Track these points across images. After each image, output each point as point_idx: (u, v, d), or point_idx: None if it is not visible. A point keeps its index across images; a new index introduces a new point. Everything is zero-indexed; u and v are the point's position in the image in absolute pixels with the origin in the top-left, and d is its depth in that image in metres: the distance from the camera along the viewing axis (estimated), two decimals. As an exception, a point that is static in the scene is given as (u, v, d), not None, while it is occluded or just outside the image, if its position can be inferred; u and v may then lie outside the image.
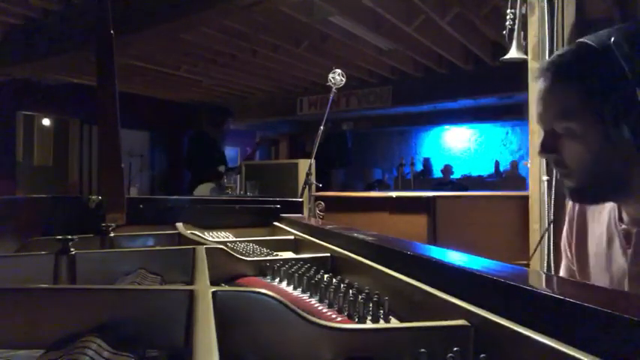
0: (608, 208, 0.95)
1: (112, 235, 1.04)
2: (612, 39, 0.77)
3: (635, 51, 0.75)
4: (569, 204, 1.09)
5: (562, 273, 1.13)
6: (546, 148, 0.88)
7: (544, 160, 2.15)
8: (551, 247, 2.12)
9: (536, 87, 0.90)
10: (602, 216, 0.97)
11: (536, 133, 2.10)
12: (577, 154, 0.84)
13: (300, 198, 2.35)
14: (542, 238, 2.13)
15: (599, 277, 0.96)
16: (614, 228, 0.93)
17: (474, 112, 8.29)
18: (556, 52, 0.90)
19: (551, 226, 2.10)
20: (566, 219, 1.09)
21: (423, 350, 0.46)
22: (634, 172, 0.82)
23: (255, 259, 0.96)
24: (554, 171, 0.91)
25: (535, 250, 2.14)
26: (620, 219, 0.92)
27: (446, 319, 0.52)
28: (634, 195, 0.85)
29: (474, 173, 9.12)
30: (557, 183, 2.09)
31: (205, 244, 0.95)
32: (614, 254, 0.92)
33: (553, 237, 2.11)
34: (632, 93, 0.74)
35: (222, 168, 4.46)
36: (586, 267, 1.00)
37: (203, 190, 4.36)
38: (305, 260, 0.93)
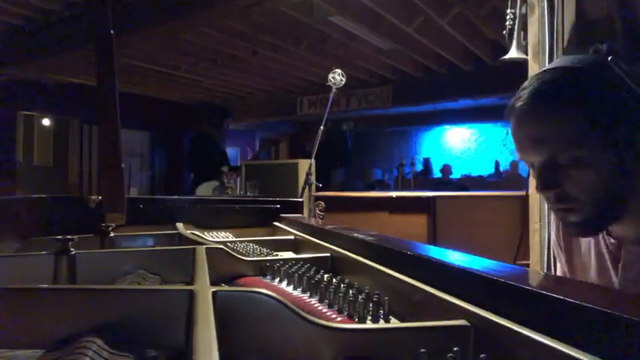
0: None
1: (112, 235, 1.04)
2: (609, 57, 0.74)
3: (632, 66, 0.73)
4: None
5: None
6: (550, 184, 0.78)
7: None
8: (551, 247, 2.12)
9: (515, 117, 0.80)
10: None
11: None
12: (587, 183, 0.75)
13: (300, 198, 2.34)
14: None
15: None
16: (602, 242, 0.90)
17: (473, 112, 8.29)
18: (532, 78, 0.80)
19: (553, 225, 2.11)
20: (554, 225, 1.07)
21: (423, 350, 0.46)
22: (634, 192, 0.78)
23: (255, 259, 0.96)
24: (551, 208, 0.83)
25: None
26: (608, 232, 0.88)
27: (446, 319, 0.52)
28: (628, 215, 0.81)
29: (474, 173, 9.11)
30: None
31: (205, 244, 0.95)
32: (603, 267, 0.90)
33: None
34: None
35: (225, 168, 4.48)
36: (575, 275, 1.00)
37: (206, 190, 4.39)
38: (305, 260, 0.93)
